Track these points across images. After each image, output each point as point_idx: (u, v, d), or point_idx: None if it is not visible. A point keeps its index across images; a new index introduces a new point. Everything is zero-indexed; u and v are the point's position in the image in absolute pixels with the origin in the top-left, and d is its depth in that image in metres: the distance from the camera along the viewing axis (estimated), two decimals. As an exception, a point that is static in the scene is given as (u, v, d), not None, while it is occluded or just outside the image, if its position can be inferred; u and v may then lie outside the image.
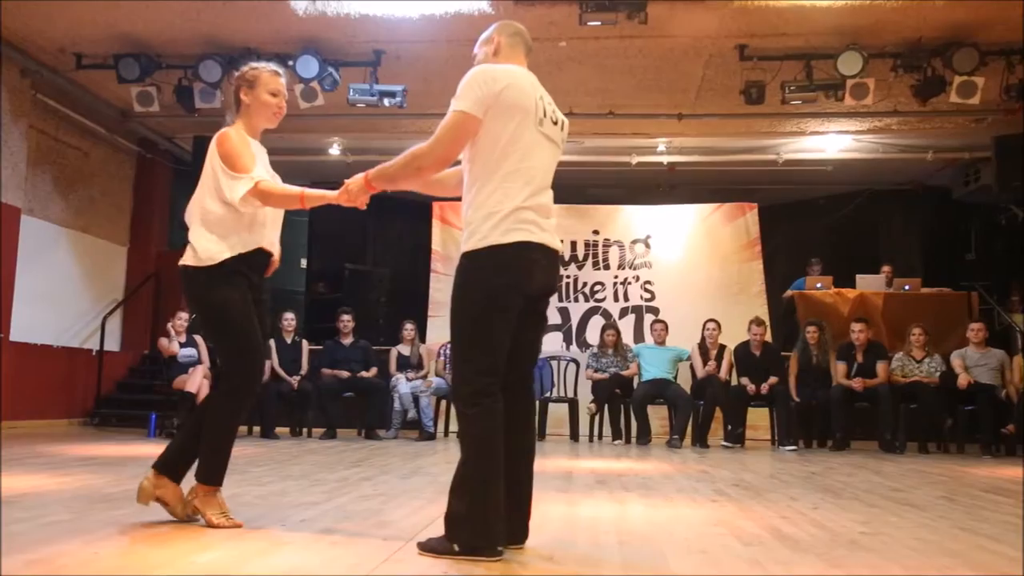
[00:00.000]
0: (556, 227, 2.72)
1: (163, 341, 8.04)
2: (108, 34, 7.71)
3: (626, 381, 8.48)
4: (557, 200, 2.80)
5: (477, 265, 2.54)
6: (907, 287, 9.58)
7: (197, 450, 3.05)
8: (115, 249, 10.33)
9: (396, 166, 2.73)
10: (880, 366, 8.05)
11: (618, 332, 8.90)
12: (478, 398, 2.51)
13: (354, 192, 2.84)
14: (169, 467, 3.11)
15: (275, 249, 3.22)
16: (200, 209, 3.11)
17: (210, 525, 2.90)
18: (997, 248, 11.50)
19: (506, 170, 2.58)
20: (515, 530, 2.60)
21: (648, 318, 9.84)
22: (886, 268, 10.08)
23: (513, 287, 2.54)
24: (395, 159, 2.73)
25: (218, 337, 3.11)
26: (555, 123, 2.74)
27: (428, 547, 2.54)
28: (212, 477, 3.00)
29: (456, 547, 2.46)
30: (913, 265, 11.25)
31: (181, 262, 3.07)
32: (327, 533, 2.85)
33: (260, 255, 3.13)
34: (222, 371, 3.11)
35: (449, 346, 8.80)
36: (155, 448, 6.52)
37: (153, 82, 8.14)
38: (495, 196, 2.56)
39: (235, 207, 3.02)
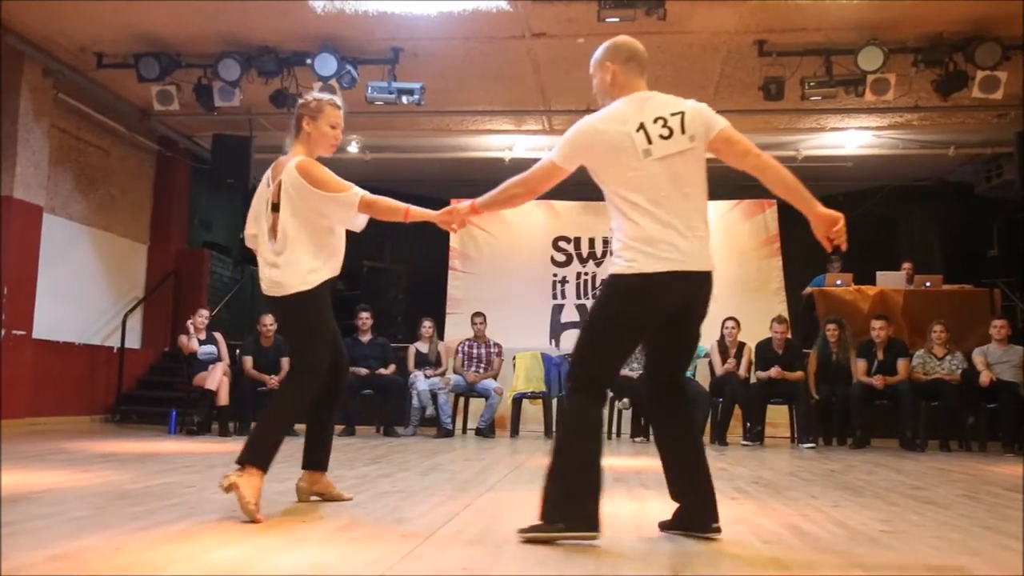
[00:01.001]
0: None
1: (183, 338, 8.10)
2: (128, 34, 7.78)
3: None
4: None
5: (618, 286, 2.78)
6: (928, 284, 9.50)
7: (326, 439, 3.60)
8: (135, 247, 10.42)
9: (495, 195, 3.05)
10: (901, 363, 7.98)
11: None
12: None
13: (459, 214, 3.22)
14: (314, 462, 3.52)
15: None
16: (295, 235, 3.33)
17: (241, 503, 2.99)
18: (1020, 244, 11.36)
19: (628, 205, 2.77)
20: (696, 520, 2.79)
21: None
22: (907, 265, 9.99)
23: (642, 311, 2.77)
24: (496, 189, 3.04)
25: (302, 347, 3.47)
26: (667, 136, 2.78)
27: (532, 530, 2.68)
28: (265, 461, 3.16)
29: (562, 525, 2.65)
30: (934, 261, 11.15)
31: (298, 288, 3.31)
32: (346, 529, 2.86)
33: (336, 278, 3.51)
34: (296, 373, 3.47)
35: (468, 344, 8.82)
36: (175, 445, 6.61)
37: (173, 81, 8.20)
38: (624, 228, 2.78)
39: (332, 231, 3.39)
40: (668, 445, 2.91)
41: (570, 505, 2.68)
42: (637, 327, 2.81)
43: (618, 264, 2.77)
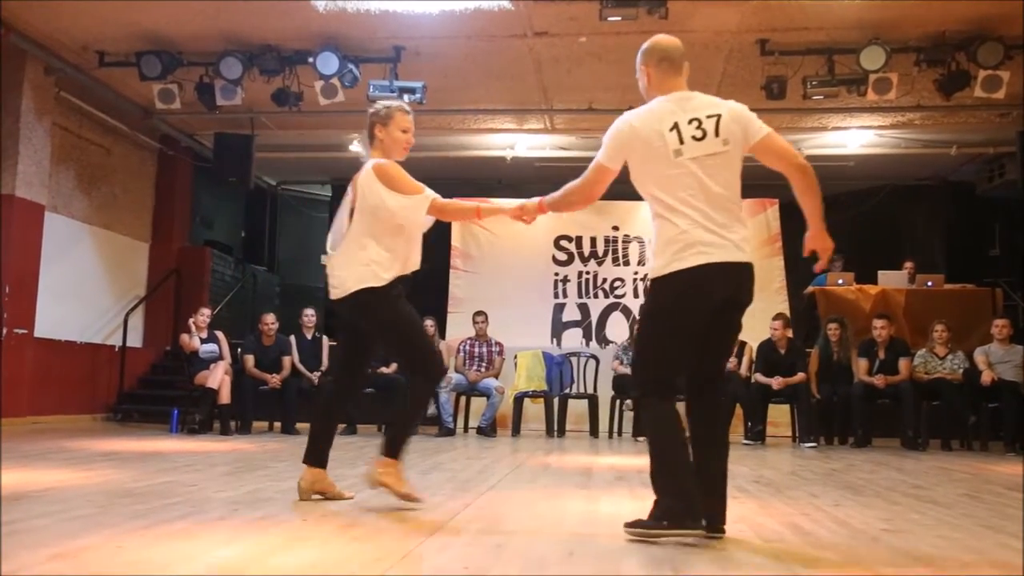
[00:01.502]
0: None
1: (184, 337, 8.10)
2: (130, 32, 7.78)
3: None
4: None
5: (659, 287, 2.84)
6: (930, 283, 9.49)
7: (332, 438, 3.65)
8: (137, 245, 10.43)
9: (557, 197, 3.10)
10: (902, 363, 7.97)
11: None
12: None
13: (529, 210, 3.25)
14: (320, 459, 3.58)
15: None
16: (358, 233, 3.45)
17: (395, 494, 3.27)
18: (1022, 243, 11.35)
19: (665, 204, 2.81)
20: (708, 517, 2.77)
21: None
22: (908, 264, 9.98)
23: (684, 306, 2.82)
24: (558, 193, 3.09)
25: (402, 347, 3.60)
26: (699, 138, 2.81)
27: (636, 526, 2.75)
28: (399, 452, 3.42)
29: (665, 522, 2.70)
30: (936, 261, 11.13)
31: (361, 286, 3.39)
32: (348, 528, 2.87)
33: (411, 276, 3.52)
34: (411, 373, 3.63)
35: (469, 343, 8.82)
36: (177, 444, 6.61)
37: (174, 79, 8.20)
38: (657, 228, 2.85)
39: (401, 230, 3.44)
40: (695, 440, 2.91)
41: (675, 504, 2.71)
42: (684, 323, 2.82)
43: (656, 266, 2.83)
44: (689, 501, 2.70)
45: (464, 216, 3.49)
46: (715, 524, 2.79)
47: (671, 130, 2.80)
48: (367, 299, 3.38)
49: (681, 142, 2.79)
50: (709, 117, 2.83)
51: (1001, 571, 2.41)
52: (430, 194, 3.39)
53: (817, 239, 3.02)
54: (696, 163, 2.79)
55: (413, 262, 3.51)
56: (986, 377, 7.73)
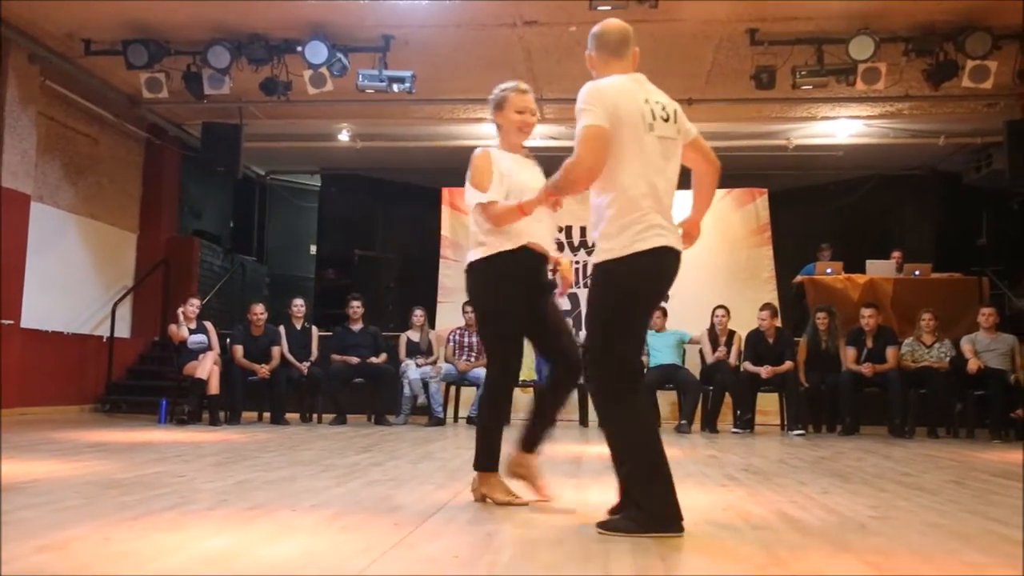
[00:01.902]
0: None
1: (172, 327, 8.07)
2: (116, 20, 7.71)
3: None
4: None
5: (619, 270, 2.73)
6: (917, 272, 9.54)
7: (547, 424, 3.45)
8: (125, 236, 10.37)
9: (556, 180, 2.87)
10: (890, 351, 8.02)
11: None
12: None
13: (547, 195, 3.01)
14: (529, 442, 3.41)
15: (543, 247, 3.36)
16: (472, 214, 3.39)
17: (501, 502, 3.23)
18: (1008, 233, 11.42)
19: (628, 178, 2.73)
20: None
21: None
22: (896, 253, 10.03)
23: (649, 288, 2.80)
24: (556, 174, 2.86)
25: (482, 329, 3.48)
26: (665, 119, 2.82)
27: (612, 529, 2.67)
28: (493, 462, 3.35)
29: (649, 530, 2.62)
30: (923, 250, 11.18)
31: (469, 259, 3.37)
32: (337, 518, 2.87)
33: (524, 252, 3.28)
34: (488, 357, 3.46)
35: (459, 332, 8.82)
36: (165, 434, 6.59)
37: (162, 68, 8.14)
38: (622, 207, 2.73)
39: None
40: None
41: (661, 510, 2.64)
42: (647, 306, 2.84)
43: (612, 247, 2.72)
44: (675, 506, 2.65)
45: (510, 217, 3.19)
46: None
47: (645, 102, 2.78)
48: (468, 276, 3.39)
49: (653, 117, 2.78)
50: (671, 105, 2.88)
51: (987, 556, 2.43)
52: (488, 197, 3.25)
53: (694, 229, 3.03)
54: (660, 143, 2.78)
55: (510, 240, 3.30)
56: (972, 365, 7.79)
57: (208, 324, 8.19)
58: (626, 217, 2.71)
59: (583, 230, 10.41)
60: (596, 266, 2.79)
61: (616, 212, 2.72)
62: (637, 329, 2.84)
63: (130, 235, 10.48)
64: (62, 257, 9.11)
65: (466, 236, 11.09)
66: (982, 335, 8.07)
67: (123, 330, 10.08)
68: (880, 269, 9.53)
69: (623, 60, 2.95)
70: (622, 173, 2.73)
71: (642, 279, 2.73)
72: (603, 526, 2.70)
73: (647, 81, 2.90)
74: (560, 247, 10.51)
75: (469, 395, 8.58)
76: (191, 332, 8.02)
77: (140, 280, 10.40)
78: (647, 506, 2.64)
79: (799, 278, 9.75)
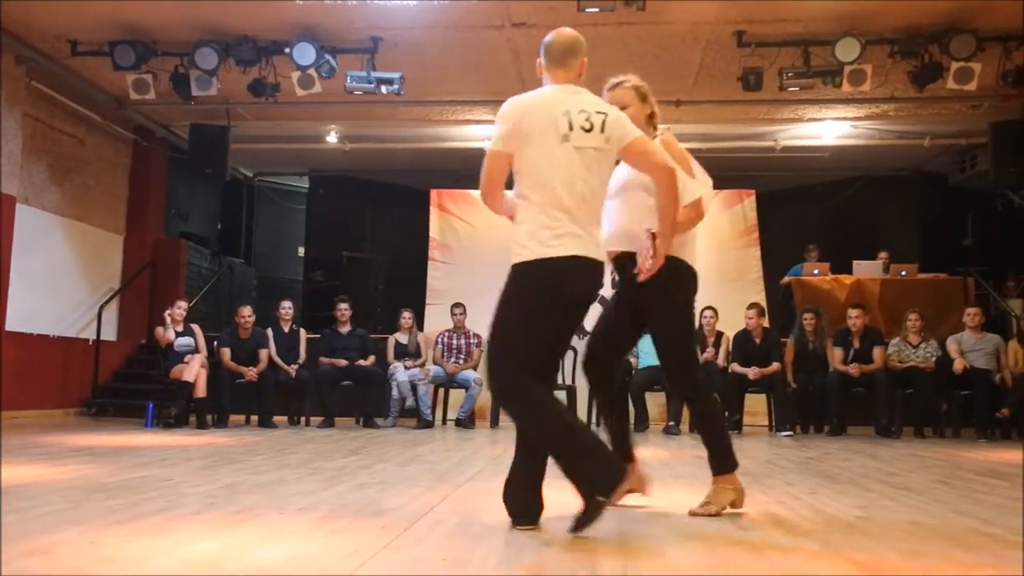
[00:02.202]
0: None
1: (159, 329, 8.03)
2: (103, 21, 7.66)
3: (632, 369, 8.49)
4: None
5: (525, 273, 2.81)
6: (903, 273, 9.60)
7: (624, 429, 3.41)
8: (111, 238, 10.31)
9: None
10: (876, 352, 8.06)
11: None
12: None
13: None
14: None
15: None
16: None
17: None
18: (993, 234, 11.51)
19: (541, 189, 2.80)
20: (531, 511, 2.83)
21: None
22: (883, 254, 10.08)
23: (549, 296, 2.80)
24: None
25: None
26: (587, 129, 2.83)
27: (582, 525, 2.63)
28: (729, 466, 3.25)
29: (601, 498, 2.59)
30: (910, 251, 11.25)
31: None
32: (325, 521, 2.86)
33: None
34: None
35: (447, 335, 8.81)
36: (152, 438, 6.56)
37: (149, 69, 8.10)
38: (533, 215, 2.80)
39: None
40: (526, 438, 2.91)
41: (602, 476, 2.62)
42: (547, 312, 2.79)
43: (522, 253, 2.79)
44: (616, 465, 2.65)
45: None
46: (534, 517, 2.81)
47: (563, 115, 2.82)
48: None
49: (571, 128, 2.81)
50: (598, 113, 2.87)
51: (973, 555, 2.45)
52: None
53: (660, 248, 2.95)
54: (579, 153, 2.82)
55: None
56: (958, 365, 7.84)
57: (195, 326, 8.16)
58: (534, 225, 2.78)
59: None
60: (511, 267, 2.86)
61: (526, 220, 2.81)
62: (546, 334, 2.83)
63: (116, 237, 10.42)
64: (48, 259, 9.05)
65: (456, 238, 11.22)
66: (968, 335, 8.13)
67: (109, 333, 10.02)
68: (867, 270, 9.58)
69: (564, 70, 2.99)
70: (531, 184, 2.82)
71: (548, 285, 2.76)
72: (574, 529, 2.64)
73: (583, 92, 2.94)
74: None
75: (457, 398, 8.57)
76: (178, 335, 7.98)
77: (127, 282, 10.34)
78: (593, 479, 2.61)
79: (786, 279, 9.79)
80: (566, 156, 2.80)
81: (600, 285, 2.87)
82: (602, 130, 2.85)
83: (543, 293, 2.77)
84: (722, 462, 3.24)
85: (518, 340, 2.78)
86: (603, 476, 2.60)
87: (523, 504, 2.83)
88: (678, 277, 3.20)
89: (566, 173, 2.79)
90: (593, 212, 2.86)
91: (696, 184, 3.24)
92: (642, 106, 3.34)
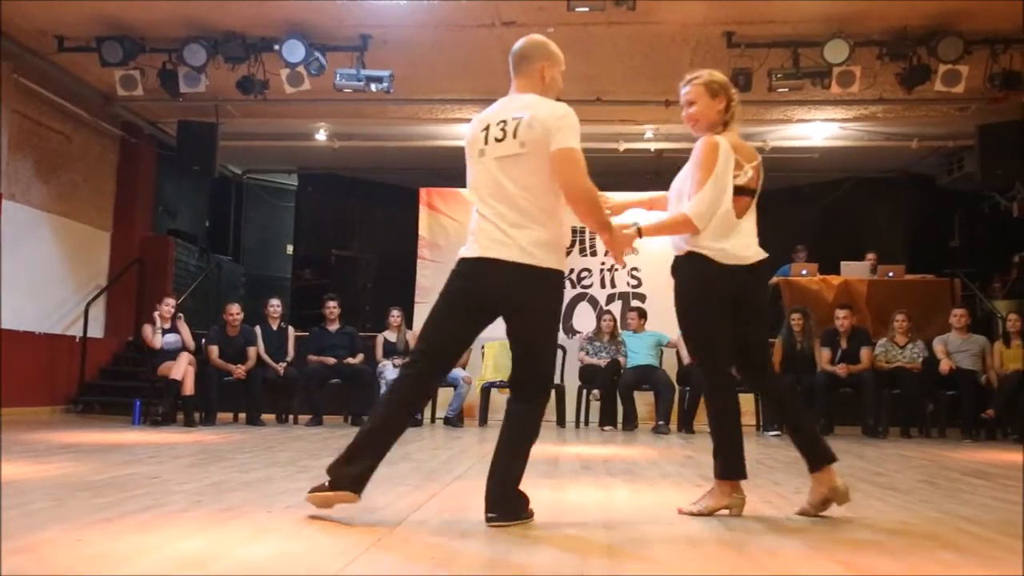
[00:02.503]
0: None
1: (147, 332, 7.97)
2: (90, 16, 7.62)
3: (620, 368, 8.50)
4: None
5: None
6: (891, 274, 9.65)
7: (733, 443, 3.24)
8: (98, 234, 10.25)
9: None
10: (864, 352, 8.10)
11: (615, 319, 8.98)
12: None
13: None
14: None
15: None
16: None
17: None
18: (980, 235, 11.59)
19: (475, 199, 3.01)
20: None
21: (634, 305, 9.86)
22: (871, 255, 10.14)
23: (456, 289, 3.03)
24: None
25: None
26: (500, 139, 2.91)
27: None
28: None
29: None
30: (897, 252, 11.32)
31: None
32: (313, 520, 2.85)
33: None
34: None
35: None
36: (139, 435, 6.52)
37: (137, 66, 8.05)
38: (471, 220, 3.02)
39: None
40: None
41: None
42: (452, 306, 3.01)
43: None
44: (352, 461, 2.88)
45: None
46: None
47: (483, 130, 2.94)
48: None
49: (486, 142, 2.93)
50: (514, 119, 2.89)
51: (958, 555, 2.46)
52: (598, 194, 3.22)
53: (616, 240, 3.17)
54: (496, 163, 2.90)
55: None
56: (944, 366, 7.89)
57: (180, 322, 8.09)
58: (469, 227, 3.02)
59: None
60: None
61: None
62: (444, 324, 3.03)
63: (104, 234, 10.36)
64: (34, 256, 8.99)
65: (445, 237, 11.21)
66: (954, 336, 8.19)
67: (96, 330, 9.96)
68: (855, 270, 9.63)
69: (521, 77, 3.05)
70: (471, 195, 3.03)
71: (452, 281, 3.00)
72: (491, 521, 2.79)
73: (516, 99, 2.98)
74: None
75: (446, 396, 8.55)
76: (166, 332, 7.94)
77: (114, 279, 10.29)
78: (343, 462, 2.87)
79: (774, 279, 9.81)
80: (484, 170, 2.94)
81: (518, 288, 2.85)
82: (515, 135, 2.87)
83: (452, 289, 2.99)
84: (725, 465, 3.16)
85: (425, 324, 3.10)
86: (337, 463, 2.85)
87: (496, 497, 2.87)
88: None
89: (484, 188, 2.93)
90: (518, 214, 2.85)
91: (696, 199, 3.13)
92: (711, 102, 3.26)
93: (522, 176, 2.87)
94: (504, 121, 2.90)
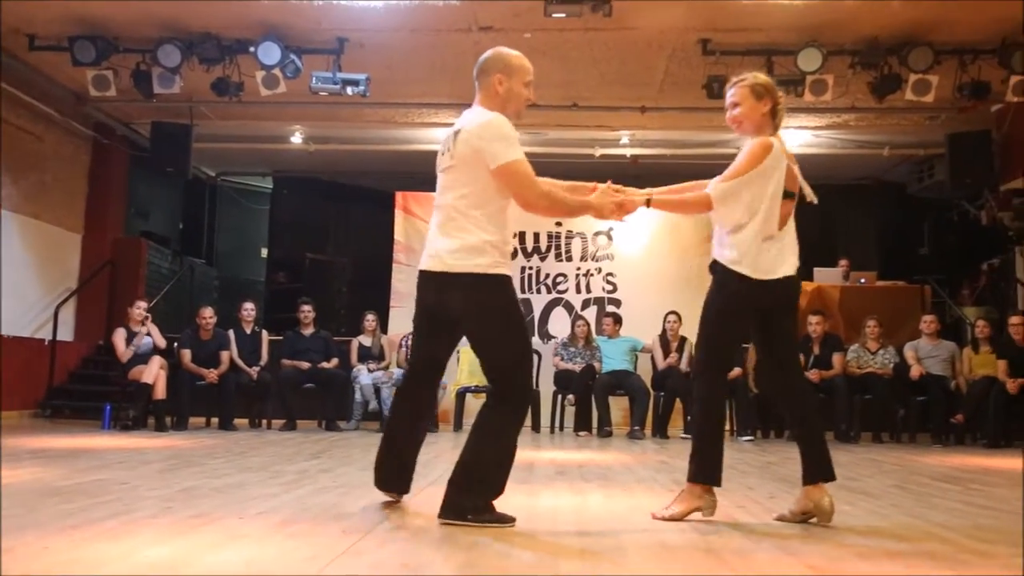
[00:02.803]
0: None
1: (119, 344, 7.83)
2: (63, 15, 7.52)
3: (595, 373, 8.52)
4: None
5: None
6: (863, 280, 9.76)
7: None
8: (69, 236, 10.11)
9: None
10: (836, 358, 8.18)
11: (589, 325, 8.99)
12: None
13: None
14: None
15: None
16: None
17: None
18: (949, 242, 11.74)
19: None
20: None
21: (609, 310, 9.89)
22: (843, 261, 10.24)
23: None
24: None
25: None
26: (443, 152, 3.07)
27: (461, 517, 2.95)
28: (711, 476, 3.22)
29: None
30: (869, 259, 11.44)
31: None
32: (285, 525, 2.83)
33: None
34: None
35: (411, 337, 8.77)
36: (109, 440, 6.44)
37: (110, 66, 7.95)
38: None
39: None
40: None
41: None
42: (416, 314, 3.20)
43: None
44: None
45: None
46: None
47: (446, 139, 3.08)
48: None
49: (441, 156, 3.08)
50: (455, 132, 3.01)
51: (928, 560, 2.49)
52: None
53: (602, 206, 3.29)
54: (440, 175, 3.07)
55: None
56: (915, 372, 7.99)
57: (150, 325, 7.98)
58: None
59: (536, 236, 10.41)
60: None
61: None
62: (418, 342, 3.27)
63: (74, 236, 10.22)
64: (2, 257, 8.85)
65: (421, 241, 11.15)
66: (924, 342, 8.29)
67: (66, 333, 9.82)
68: (828, 277, 9.72)
69: (479, 90, 3.12)
70: None
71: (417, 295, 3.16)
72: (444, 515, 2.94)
73: (468, 112, 3.07)
74: (513, 253, 10.52)
75: (421, 400, 8.53)
76: (133, 336, 7.84)
77: (84, 282, 10.15)
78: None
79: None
80: (439, 183, 3.08)
81: (439, 295, 3.00)
82: (451, 148, 2.98)
83: (416, 304, 3.18)
84: (701, 469, 3.16)
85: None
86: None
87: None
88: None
89: (436, 199, 3.10)
90: (445, 224, 2.99)
91: (725, 185, 3.30)
92: (756, 104, 3.31)
93: (456, 187, 2.99)
94: (455, 133, 3.00)
